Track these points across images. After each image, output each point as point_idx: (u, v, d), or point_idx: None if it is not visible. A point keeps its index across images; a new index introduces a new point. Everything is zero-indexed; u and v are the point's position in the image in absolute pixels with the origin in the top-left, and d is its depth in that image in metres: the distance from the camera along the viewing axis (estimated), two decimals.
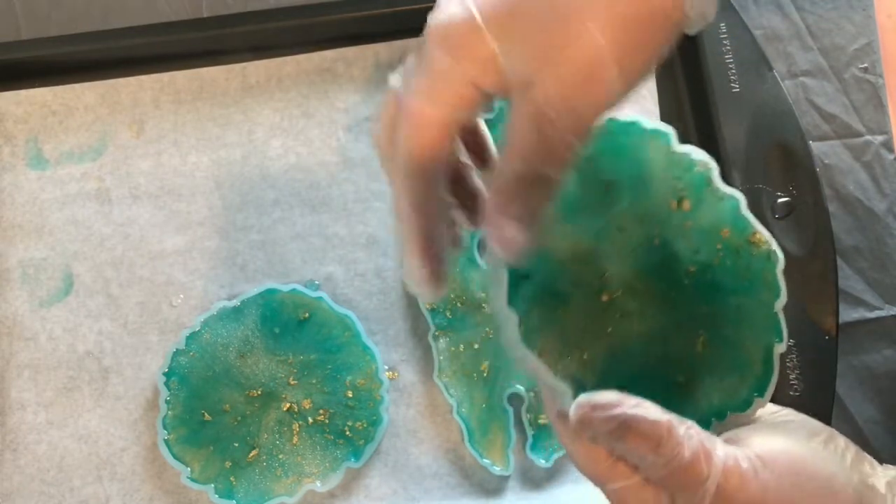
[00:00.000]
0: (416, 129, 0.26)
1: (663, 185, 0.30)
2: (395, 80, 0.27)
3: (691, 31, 0.26)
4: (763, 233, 0.30)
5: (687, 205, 0.30)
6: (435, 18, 0.26)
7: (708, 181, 0.30)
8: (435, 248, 0.28)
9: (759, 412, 0.29)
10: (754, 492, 0.25)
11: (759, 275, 0.29)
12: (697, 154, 0.30)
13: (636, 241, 0.30)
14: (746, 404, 0.29)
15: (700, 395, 0.29)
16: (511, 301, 0.28)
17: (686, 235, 0.30)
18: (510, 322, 0.27)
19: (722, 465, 0.25)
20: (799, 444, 0.27)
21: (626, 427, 0.25)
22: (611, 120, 0.29)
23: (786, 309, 0.29)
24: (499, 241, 0.25)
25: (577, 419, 0.26)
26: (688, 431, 0.26)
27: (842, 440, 0.28)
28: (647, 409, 0.26)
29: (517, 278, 0.28)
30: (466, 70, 0.25)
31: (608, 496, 0.28)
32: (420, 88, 0.26)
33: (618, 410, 0.25)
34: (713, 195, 0.30)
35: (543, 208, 0.25)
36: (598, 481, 0.28)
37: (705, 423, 0.28)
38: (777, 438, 0.27)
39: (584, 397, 0.26)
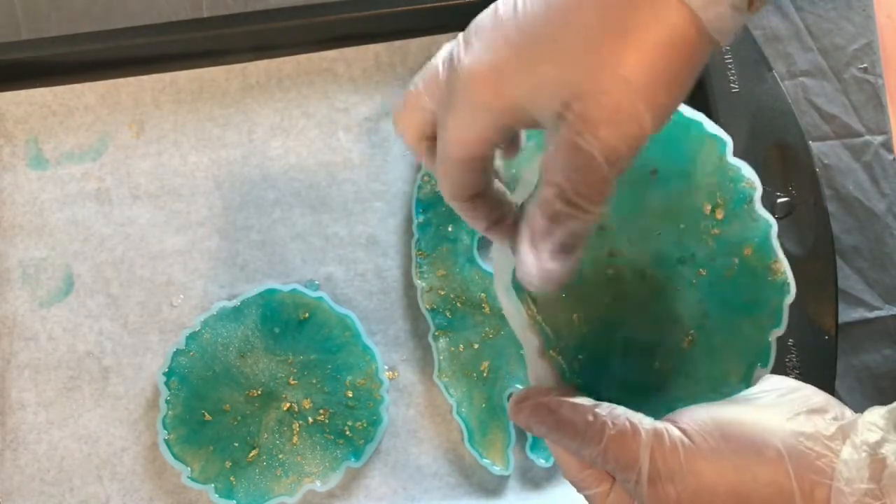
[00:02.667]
0: (458, 171, 0.27)
1: (705, 189, 0.31)
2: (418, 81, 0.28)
3: (723, 45, 0.26)
4: (784, 263, 0.30)
5: (720, 213, 0.31)
6: (461, 63, 0.26)
7: (749, 199, 0.31)
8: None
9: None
10: (684, 458, 0.26)
11: (768, 302, 0.30)
12: (747, 171, 0.31)
13: (660, 229, 0.31)
14: None
15: (670, 388, 0.30)
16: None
17: (709, 241, 0.31)
18: (505, 264, 0.28)
19: (651, 438, 0.26)
20: (726, 408, 0.27)
21: (552, 416, 0.27)
22: (676, 112, 0.29)
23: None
24: (534, 272, 0.25)
25: (511, 409, 0.28)
26: (612, 411, 0.27)
27: (807, 392, 0.28)
28: (569, 397, 0.28)
29: None
30: (497, 118, 0.26)
31: (588, 501, 0.29)
32: (458, 135, 0.27)
33: (542, 399, 0.28)
34: (749, 214, 0.31)
35: (580, 241, 0.26)
36: (575, 487, 0.30)
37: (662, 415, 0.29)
38: (711, 408, 0.28)
39: (520, 391, 0.28)
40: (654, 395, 0.29)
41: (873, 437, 0.26)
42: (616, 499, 0.28)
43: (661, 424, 0.27)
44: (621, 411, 0.27)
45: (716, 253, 0.31)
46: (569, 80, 0.24)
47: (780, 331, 0.30)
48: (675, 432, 0.26)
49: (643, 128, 0.24)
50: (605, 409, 0.27)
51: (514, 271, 0.28)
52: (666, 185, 0.30)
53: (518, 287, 0.28)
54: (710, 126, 0.30)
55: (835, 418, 0.27)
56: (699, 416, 0.27)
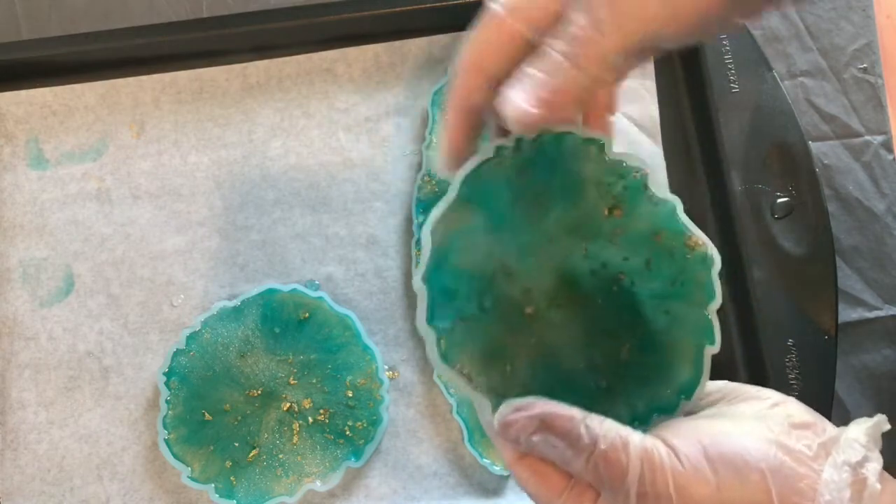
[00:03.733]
0: (488, 32, 0.28)
1: (595, 194, 0.30)
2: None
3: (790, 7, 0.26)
4: (699, 236, 0.30)
5: (619, 212, 0.30)
6: None
7: (643, 187, 0.30)
8: (465, 132, 0.30)
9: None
10: (669, 475, 0.26)
11: (693, 277, 0.30)
12: (631, 160, 0.30)
13: (563, 252, 0.30)
14: (672, 407, 0.29)
15: (623, 400, 0.29)
16: (434, 317, 0.28)
17: (616, 243, 0.30)
18: (429, 339, 0.28)
19: (640, 454, 0.26)
20: (719, 427, 0.27)
21: (545, 424, 0.27)
22: (544, 133, 0.29)
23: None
24: (511, 104, 0.27)
25: (500, 425, 0.27)
26: (603, 424, 0.27)
27: (790, 408, 0.28)
28: (561, 407, 0.27)
29: (441, 295, 0.29)
30: None
31: None
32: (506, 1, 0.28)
33: (536, 410, 0.27)
34: (648, 201, 0.30)
35: (564, 100, 0.27)
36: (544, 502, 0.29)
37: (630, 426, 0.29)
38: (698, 424, 0.27)
39: (506, 404, 0.28)
40: (613, 412, 0.29)
41: (855, 455, 0.26)
42: None
43: (650, 441, 0.26)
44: (611, 424, 0.27)
45: (627, 252, 0.30)
46: None
47: (715, 304, 0.30)
48: (664, 450, 0.26)
49: (656, 18, 0.25)
50: (595, 419, 0.27)
51: (438, 341, 0.28)
52: (555, 207, 0.30)
53: (447, 359, 0.28)
54: (583, 132, 0.30)
55: (817, 434, 0.27)
56: (685, 433, 0.27)
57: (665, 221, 0.30)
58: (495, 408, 0.28)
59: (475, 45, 0.29)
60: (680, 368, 0.29)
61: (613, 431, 0.27)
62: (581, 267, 0.30)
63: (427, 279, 0.29)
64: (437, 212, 0.29)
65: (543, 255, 0.30)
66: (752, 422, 0.27)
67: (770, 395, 0.29)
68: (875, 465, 0.26)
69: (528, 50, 0.28)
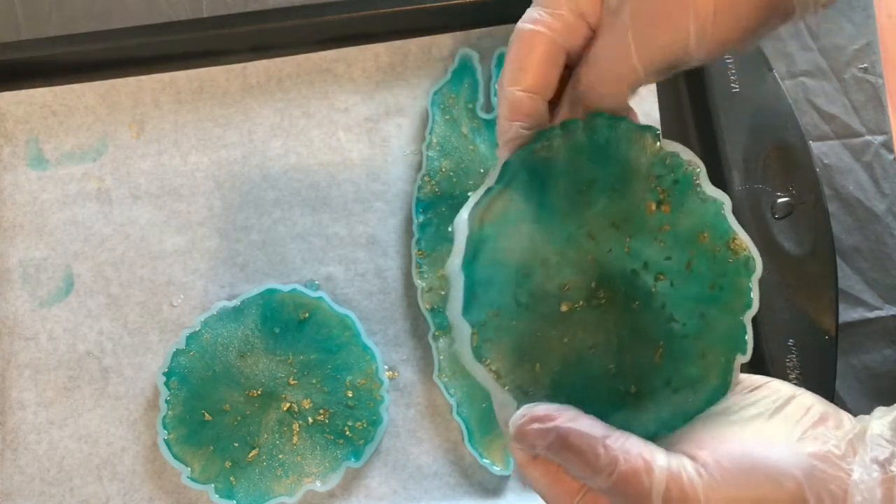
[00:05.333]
0: (521, 50, 0.29)
1: (644, 186, 0.29)
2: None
3: (801, 16, 0.26)
4: (744, 239, 0.29)
5: (666, 208, 0.29)
6: None
7: (693, 182, 0.29)
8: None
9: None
10: (703, 494, 0.25)
11: (733, 283, 0.29)
12: (685, 153, 0.29)
13: (606, 247, 0.29)
14: (696, 414, 0.28)
15: (650, 406, 0.28)
16: (469, 309, 0.27)
17: (660, 240, 0.29)
18: (463, 332, 0.27)
19: (665, 474, 0.25)
20: (743, 435, 0.27)
21: (561, 441, 0.26)
22: (599, 115, 0.29)
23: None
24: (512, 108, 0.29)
25: (515, 432, 0.27)
26: (625, 444, 0.26)
27: (804, 402, 0.27)
28: (582, 423, 0.26)
29: (476, 285, 0.28)
30: (574, 0, 0.28)
31: None
32: (530, 14, 0.29)
33: (552, 424, 0.26)
34: (696, 197, 0.29)
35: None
36: None
37: (652, 437, 0.28)
38: (721, 433, 0.27)
39: (522, 410, 0.27)
40: (637, 419, 0.28)
41: (882, 453, 0.25)
42: None
43: (675, 460, 0.26)
44: (634, 443, 0.26)
45: (669, 251, 0.29)
46: None
47: (752, 311, 0.29)
48: (691, 468, 0.25)
49: (685, 47, 0.27)
50: (617, 439, 0.26)
51: (472, 334, 0.27)
52: (602, 197, 0.29)
53: (478, 355, 0.27)
54: (638, 119, 0.29)
55: (837, 427, 0.26)
56: (710, 444, 0.26)
57: (711, 221, 0.29)
58: (518, 407, 0.27)
59: (515, 67, 0.29)
60: (709, 376, 0.29)
61: (636, 451, 0.26)
62: (622, 265, 0.29)
63: (464, 268, 0.28)
64: (476, 198, 0.29)
65: (585, 249, 0.29)
66: (773, 424, 0.27)
67: (779, 387, 0.29)
68: None
69: (563, 61, 0.30)
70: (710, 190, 0.29)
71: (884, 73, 0.49)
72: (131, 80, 0.47)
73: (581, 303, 0.29)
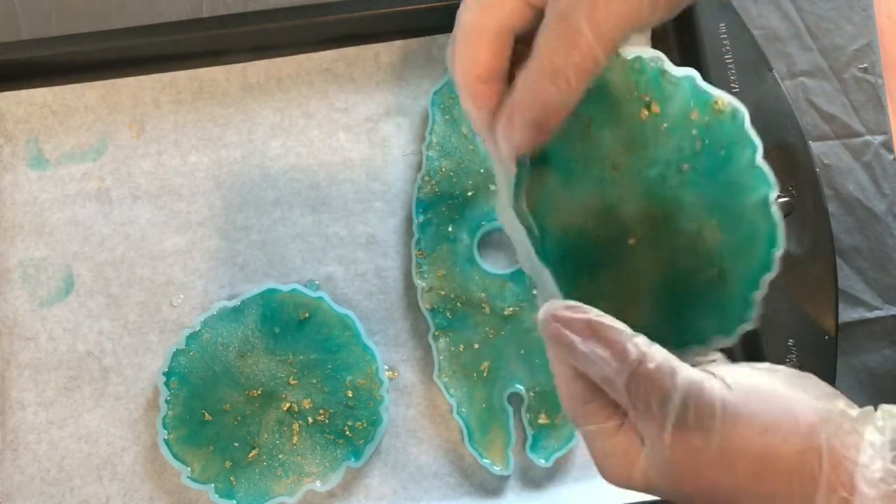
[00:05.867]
0: (466, 44, 0.28)
1: (629, 100, 0.30)
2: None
3: None
4: (723, 96, 0.30)
5: (655, 107, 0.30)
6: None
7: (662, 72, 0.30)
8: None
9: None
10: (718, 407, 0.25)
11: (731, 139, 0.30)
12: (646, 52, 0.30)
13: (634, 170, 0.30)
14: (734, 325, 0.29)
15: (693, 322, 0.30)
16: (566, 296, 0.28)
17: (666, 136, 0.30)
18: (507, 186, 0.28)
19: (688, 381, 0.25)
20: (764, 373, 0.27)
21: (592, 329, 0.26)
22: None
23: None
24: (505, 140, 0.27)
25: (551, 315, 0.27)
26: (652, 347, 0.26)
27: (819, 381, 0.28)
28: (613, 320, 0.27)
29: (559, 269, 0.28)
30: None
31: (584, 438, 0.28)
32: (470, 5, 0.28)
33: (586, 314, 0.27)
34: (670, 84, 0.30)
35: (555, 118, 0.27)
36: (576, 421, 0.28)
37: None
38: (743, 368, 0.27)
39: (554, 301, 0.27)
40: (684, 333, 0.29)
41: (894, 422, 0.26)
42: (624, 440, 0.27)
43: (700, 373, 0.26)
44: (659, 349, 0.26)
45: (677, 140, 0.30)
46: None
47: (759, 151, 0.29)
48: (716, 383, 0.25)
49: (640, 10, 0.25)
50: (645, 342, 0.26)
51: (514, 191, 0.28)
52: (604, 129, 0.30)
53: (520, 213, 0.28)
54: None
55: (850, 406, 0.27)
56: (739, 371, 0.27)
57: (691, 97, 0.30)
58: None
59: (462, 59, 0.29)
60: (757, 224, 0.29)
61: (662, 355, 0.26)
62: (651, 176, 0.30)
63: (543, 261, 0.28)
64: (506, 194, 0.29)
65: (619, 182, 0.30)
66: (794, 382, 0.27)
67: (793, 370, 0.29)
68: None
69: (512, 42, 0.29)
70: (678, 71, 0.30)
71: (883, 73, 0.49)
72: (131, 80, 0.47)
73: (641, 229, 0.30)
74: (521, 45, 0.29)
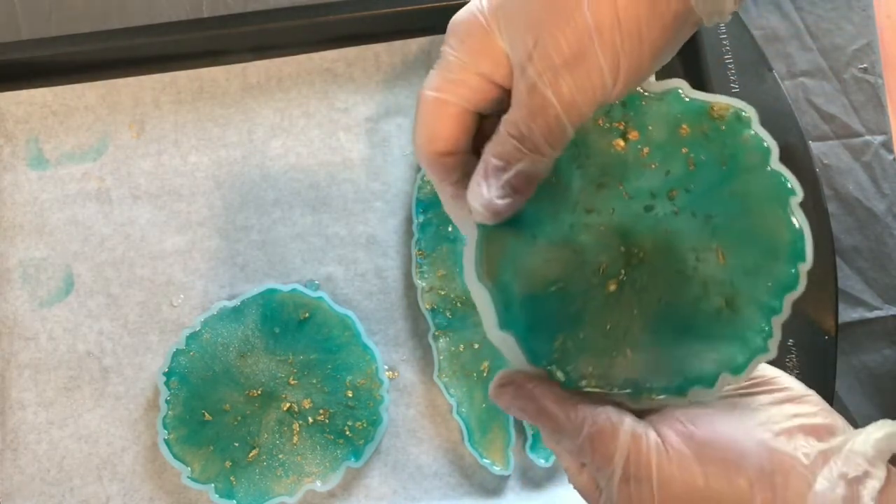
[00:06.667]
0: (429, 119, 0.28)
1: (599, 132, 0.28)
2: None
3: (707, 24, 0.26)
4: (721, 100, 0.27)
5: (634, 134, 0.28)
6: (454, 18, 0.28)
7: (638, 94, 0.28)
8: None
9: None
10: (654, 467, 0.26)
11: (738, 143, 0.27)
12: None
13: (608, 211, 0.28)
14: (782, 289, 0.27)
15: (735, 321, 0.27)
16: (536, 359, 0.27)
17: (649, 164, 0.28)
18: (546, 377, 0.27)
19: (629, 439, 0.26)
20: (714, 420, 0.27)
21: (532, 401, 0.27)
22: None
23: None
24: (481, 205, 0.26)
25: (494, 389, 0.28)
26: (594, 409, 0.27)
27: (806, 405, 0.27)
28: (555, 388, 0.27)
29: (527, 333, 0.27)
30: (477, 63, 0.27)
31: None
32: (434, 81, 0.28)
33: (526, 387, 0.27)
34: (651, 102, 0.28)
35: (530, 183, 0.27)
36: (561, 462, 0.30)
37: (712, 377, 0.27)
38: (692, 414, 0.27)
39: (502, 373, 0.28)
40: (692, 339, 0.27)
41: (854, 470, 0.25)
42: (587, 479, 0.28)
43: (640, 428, 0.26)
44: (603, 409, 0.27)
45: (664, 164, 0.27)
46: (537, 18, 0.25)
47: (774, 154, 0.27)
48: (653, 438, 0.26)
49: (604, 84, 0.25)
50: (587, 405, 0.27)
51: (556, 379, 0.27)
52: (573, 170, 0.28)
53: (574, 386, 0.27)
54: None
55: (822, 440, 0.26)
56: (678, 425, 0.27)
57: (678, 110, 0.27)
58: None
59: (424, 134, 0.28)
60: (776, 234, 0.27)
61: (604, 416, 0.26)
62: (633, 211, 0.27)
63: (507, 326, 0.27)
64: (470, 259, 0.28)
65: (592, 224, 0.28)
66: (754, 419, 0.27)
67: (789, 383, 0.28)
68: (875, 483, 0.24)
69: (477, 121, 0.28)
70: (657, 86, 0.28)
71: (883, 73, 0.49)
72: (131, 80, 0.47)
73: (623, 271, 0.27)
74: (489, 121, 0.29)
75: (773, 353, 0.27)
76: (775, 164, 0.27)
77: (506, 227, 0.27)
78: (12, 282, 0.46)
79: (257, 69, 0.47)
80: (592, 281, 0.27)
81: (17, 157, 0.47)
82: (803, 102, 0.48)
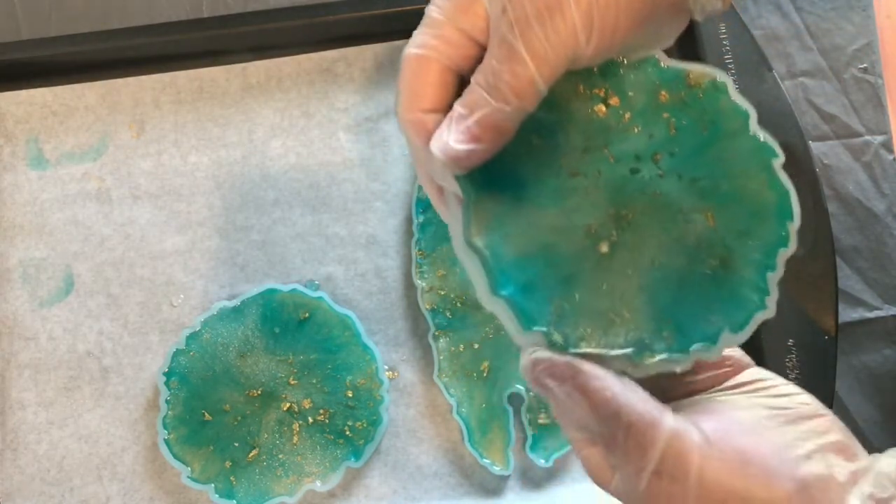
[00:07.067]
0: (411, 77, 0.28)
1: (580, 99, 0.28)
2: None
3: (697, 17, 0.26)
4: (695, 68, 0.28)
5: (615, 100, 0.28)
6: None
7: (616, 63, 0.28)
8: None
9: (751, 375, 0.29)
10: (695, 466, 0.25)
11: (717, 108, 0.28)
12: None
13: (594, 173, 0.28)
14: (783, 238, 0.27)
15: (734, 276, 0.27)
16: (529, 323, 0.27)
17: (631, 128, 0.28)
18: (538, 344, 0.26)
19: (668, 434, 0.25)
20: (753, 428, 0.26)
21: (574, 378, 0.26)
22: None
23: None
24: (440, 149, 0.27)
25: (532, 359, 0.27)
26: (633, 396, 0.26)
27: (823, 424, 0.27)
28: (597, 370, 0.26)
29: (521, 296, 0.27)
30: (458, 18, 0.27)
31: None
32: (416, 39, 0.28)
33: (565, 360, 0.26)
34: (627, 70, 0.28)
35: (493, 135, 0.27)
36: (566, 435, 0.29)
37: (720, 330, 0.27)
38: (733, 415, 0.27)
39: (539, 350, 0.27)
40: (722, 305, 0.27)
41: (883, 492, 0.25)
42: (598, 457, 0.27)
43: (683, 424, 0.26)
44: (645, 398, 0.26)
45: (647, 128, 0.28)
46: None
47: (753, 117, 0.28)
48: (697, 436, 0.25)
49: (576, 40, 0.26)
50: (627, 389, 0.26)
51: (550, 345, 0.27)
52: (556, 135, 0.28)
53: (568, 346, 0.26)
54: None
55: (849, 459, 0.26)
56: (723, 423, 0.26)
57: (657, 78, 0.28)
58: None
59: (406, 92, 0.28)
60: (763, 192, 0.27)
61: (642, 405, 0.26)
62: (619, 174, 0.28)
63: (499, 291, 0.27)
64: (457, 228, 0.28)
65: (580, 187, 0.28)
66: (789, 433, 0.26)
67: (810, 401, 0.28)
68: None
69: (458, 82, 0.28)
70: (633, 56, 0.29)
71: (883, 73, 0.49)
72: (131, 80, 0.47)
73: (614, 233, 0.28)
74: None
75: (771, 310, 0.27)
76: (755, 128, 0.28)
77: (492, 192, 0.28)
78: (12, 282, 0.46)
79: (257, 69, 0.47)
80: (583, 243, 0.28)
81: (17, 157, 0.47)
82: (803, 102, 0.48)
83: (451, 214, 0.30)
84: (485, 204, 0.28)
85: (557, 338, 0.27)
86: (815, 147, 0.48)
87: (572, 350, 0.26)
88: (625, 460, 0.26)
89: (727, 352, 0.29)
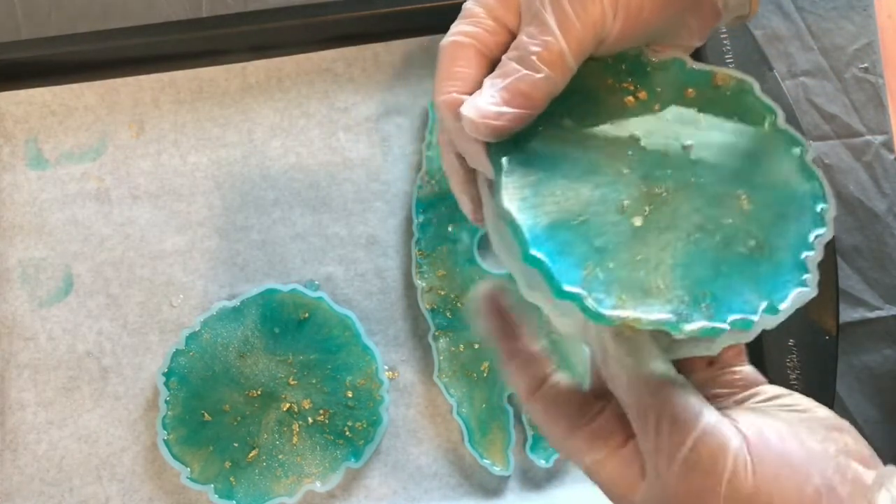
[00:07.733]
0: (446, 62, 0.29)
1: (610, 91, 0.29)
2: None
3: (724, 20, 0.27)
4: (722, 70, 0.29)
5: (643, 94, 0.29)
6: None
7: (642, 60, 0.29)
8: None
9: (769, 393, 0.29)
10: (730, 459, 0.25)
11: (745, 108, 0.29)
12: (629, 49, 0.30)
13: (625, 155, 0.29)
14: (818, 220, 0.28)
15: (769, 257, 0.28)
16: (564, 278, 0.26)
17: (662, 119, 0.29)
18: (574, 309, 0.26)
19: (707, 424, 0.25)
20: (789, 432, 0.26)
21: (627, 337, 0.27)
22: None
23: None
24: (473, 110, 0.27)
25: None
26: (675, 389, 0.26)
27: (846, 437, 0.27)
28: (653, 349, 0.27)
29: (555, 258, 0.27)
30: (493, 8, 0.29)
31: (583, 470, 0.28)
32: (453, 28, 0.30)
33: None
34: (656, 68, 0.29)
35: (524, 101, 0.28)
36: (560, 453, 0.29)
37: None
38: (771, 423, 0.27)
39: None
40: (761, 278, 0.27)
41: None
42: (622, 465, 0.27)
43: (723, 419, 0.26)
44: (685, 391, 0.26)
45: (675, 120, 0.29)
46: None
47: (781, 115, 0.29)
48: (735, 433, 0.26)
49: (603, 16, 0.27)
50: (679, 380, 0.26)
51: (585, 310, 0.26)
52: (588, 120, 0.29)
53: (602, 316, 0.26)
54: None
55: (868, 468, 0.26)
56: (757, 425, 0.26)
57: (683, 78, 0.29)
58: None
59: (442, 76, 0.29)
60: (792, 177, 0.29)
61: (687, 398, 0.26)
62: (651, 157, 0.29)
63: (531, 251, 0.27)
64: (488, 202, 0.29)
65: (612, 169, 0.29)
66: (815, 436, 0.27)
67: (826, 414, 0.28)
68: None
69: (491, 68, 0.29)
70: (660, 56, 0.30)
71: (884, 73, 0.49)
72: (131, 80, 0.47)
73: (647, 208, 0.28)
74: None
75: (812, 290, 0.27)
76: (782, 123, 0.29)
77: (524, 165, 0.28)
78: (12, 282, 0.46)
79: (257, 69, 0.47)
80: (616, 217, 0.28)
81: (16, 157, 0.47)
82: (804, 102, 0.48)
83: (484, 203, 0.30)
84: (516, 173, 0.28)
85: (591, 302, 0.26)
86: (816, 147, 0.47)
87: (607, 312, 0.26)
88: (657, 450, 0.26)
89: (739, 369, 0.30)
